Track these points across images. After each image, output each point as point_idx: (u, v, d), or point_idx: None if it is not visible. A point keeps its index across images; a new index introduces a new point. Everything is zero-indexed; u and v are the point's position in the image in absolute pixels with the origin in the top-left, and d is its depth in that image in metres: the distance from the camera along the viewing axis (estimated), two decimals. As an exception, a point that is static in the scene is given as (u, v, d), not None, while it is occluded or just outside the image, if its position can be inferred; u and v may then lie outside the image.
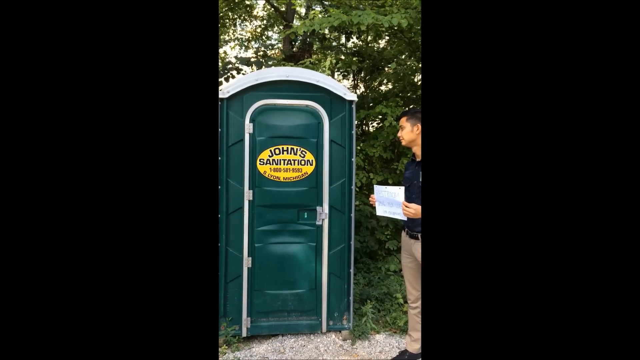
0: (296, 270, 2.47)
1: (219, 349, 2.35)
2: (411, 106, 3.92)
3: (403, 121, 2.09)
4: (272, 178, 2.42)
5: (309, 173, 2.44)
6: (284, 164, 2.43)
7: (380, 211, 2.07)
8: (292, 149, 2.42)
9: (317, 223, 2.46)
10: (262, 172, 2.41)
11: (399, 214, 1.95)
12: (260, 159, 2.40)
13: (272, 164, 2.42)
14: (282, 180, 2.43)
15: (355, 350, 2.43)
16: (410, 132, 2.06)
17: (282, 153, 2.42)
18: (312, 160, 2.44)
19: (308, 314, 2.51)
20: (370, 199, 2.15)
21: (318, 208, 2.46)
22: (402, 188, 1.95)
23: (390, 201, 1.99)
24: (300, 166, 2.43)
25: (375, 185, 2.11)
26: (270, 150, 2.41)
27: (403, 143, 2.13)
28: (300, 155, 2.43)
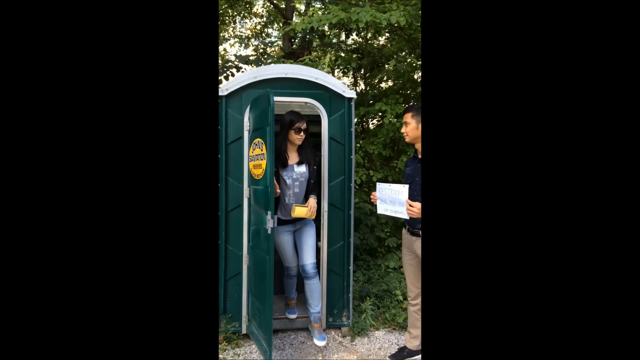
0: (258, 280, 2.21)
1: (219, 346, 2.36)
2: (412, 103, 3.92)
3: (408, 117, 2.04)
4: (253, 175, 2.27)
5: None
6: (256, 159, 2.19)
7: (382, 209, 2.04)
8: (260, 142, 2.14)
9: (267, 231, 2.03)
10: (250, 169, 2.32)
11: (401, 213, 1.92)
12: (249, 156, 2.33)
13: (252, 160, 2.26)
14: (256, 177, 2.23)
15: (355, 347, 2.44)
16: (415, 129, 2.01)
17: (256, 148, 2.20)
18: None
19: (262, 335, 2.16)
20: (371, 196, 2.13)
21: (268, 213, 2.00)
22: (406, 186, 1.91)
23: (393, 199, 1.96)
24: (260, 162, 2.10)
25: (377, 183, 2.08)
26: (252, 146, 2.25)
27: (407, 139, 2.08)
28: (261, 149, 2.11)
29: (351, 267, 2.54)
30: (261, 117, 2.11)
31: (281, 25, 5.84)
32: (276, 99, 2.39)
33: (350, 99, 2.46)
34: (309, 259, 2.31)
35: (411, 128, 2.03)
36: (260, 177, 2.12)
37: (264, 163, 2.05)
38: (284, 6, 5.61)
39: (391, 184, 1.99)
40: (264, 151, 2.04)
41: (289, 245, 2.37)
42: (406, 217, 1.90)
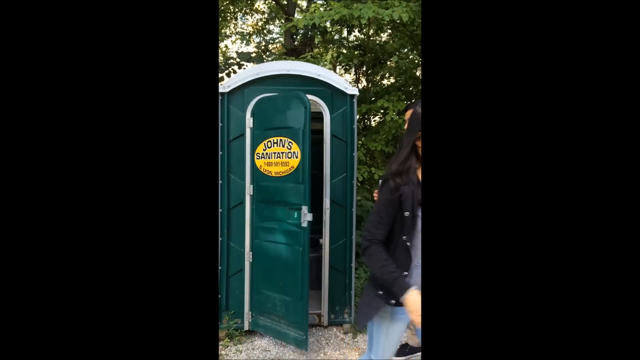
0: (283, 274, 2.26)
1: (222, 342, 2.38)
2: (413, 100, 3.90)
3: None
4: (265, 172, 2.33)
5: (294, 167, 2.21)
6: (275, 157, 2.27)
7: None
8: (280, 141, 2.25)
9: (302, 225, 2.17)
10: (258, 166, 2.36)
11: None
12: (257, 153, 2.36)
13: (265, 157, 2.31)
14: (273, 174, 2.30)
15: (357, 344, 2.44)
16: None
17: (273, 146, 2.27)
18: (297, 152, 2.20)
19: (294, 326, 2.25)
20: (374, 194, 2.14)
21: (303, 208, 2.14)
22: None
23: None
24: (287, 159, 2.23)
25: (380, 181, 2.09)
26: (264, 144, 2.30)
27: None
28: (287, 147, 2.23)
29: (353, 265, 2.54)
30: (292, 117, 2.18)
31: (283, 21, 5.82)
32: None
33: (352, 95, 2.45)
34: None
35: None
36: (287, 173, 2.19)
37: (292, 161, 2.16)
38: (285, 2, 5.59)
39: None
40: (295, 150, 2.15)
41: (397, 337, 1.41)
42: None
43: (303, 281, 2.17)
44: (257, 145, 2.35)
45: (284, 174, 2.22)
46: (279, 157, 2.22)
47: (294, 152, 2.16)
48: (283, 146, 2.21)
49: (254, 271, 2.43)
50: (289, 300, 2.26)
